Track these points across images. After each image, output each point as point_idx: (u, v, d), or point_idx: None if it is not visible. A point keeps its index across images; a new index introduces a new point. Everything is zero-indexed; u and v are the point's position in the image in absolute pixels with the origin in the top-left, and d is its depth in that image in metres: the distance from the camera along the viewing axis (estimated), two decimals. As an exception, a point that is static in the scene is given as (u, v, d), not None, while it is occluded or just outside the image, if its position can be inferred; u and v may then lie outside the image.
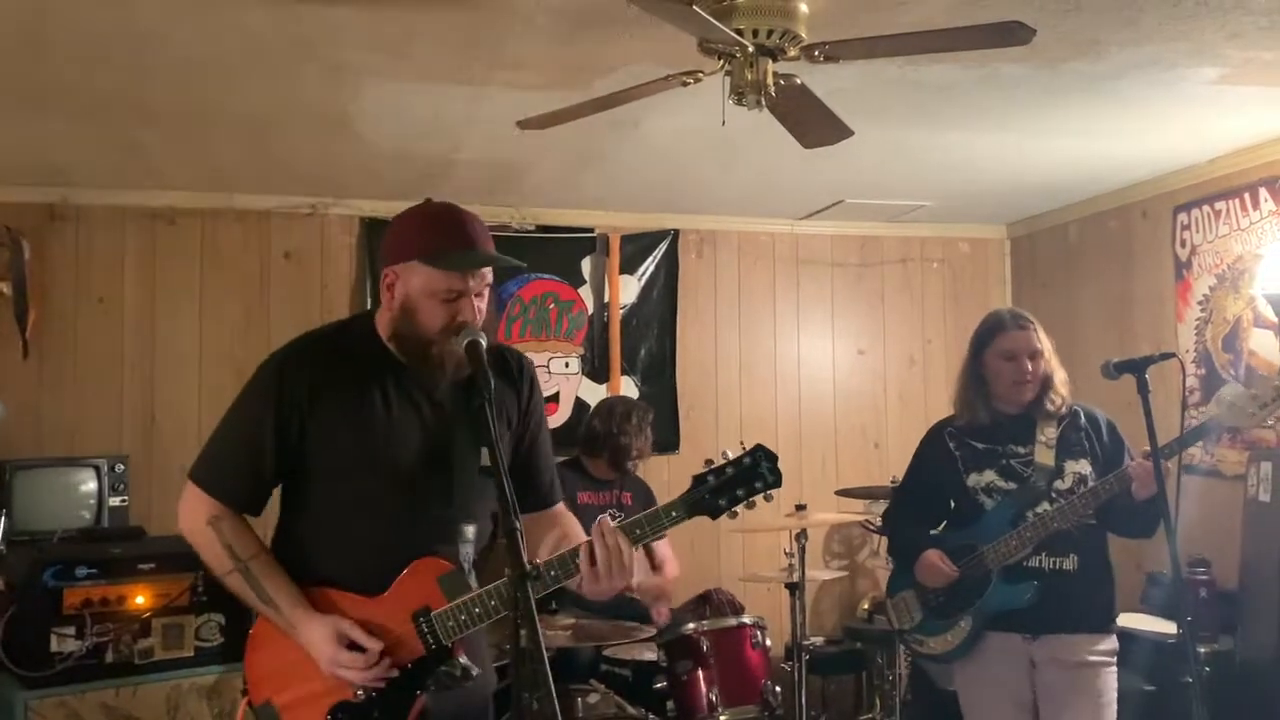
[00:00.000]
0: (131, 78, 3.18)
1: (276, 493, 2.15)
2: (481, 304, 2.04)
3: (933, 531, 3.18)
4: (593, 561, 1.93)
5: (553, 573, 1.97)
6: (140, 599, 3.49)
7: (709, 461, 1.98)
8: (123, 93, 3.32)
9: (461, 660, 1.99)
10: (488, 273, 2.05)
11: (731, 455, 1.97)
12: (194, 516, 2.06)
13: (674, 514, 1.96)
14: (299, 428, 2.04)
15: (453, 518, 2.09)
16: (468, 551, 2.10)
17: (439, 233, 2.03)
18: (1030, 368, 3.00)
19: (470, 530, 2.10)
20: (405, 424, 2.07)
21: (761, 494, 1.96)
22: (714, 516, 1.96)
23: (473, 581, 2.06)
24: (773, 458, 1.95)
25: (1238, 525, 3.99)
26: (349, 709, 1.99)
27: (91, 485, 4.16)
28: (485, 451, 1.93)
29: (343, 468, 2.05)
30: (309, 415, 2.04)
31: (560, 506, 2.30)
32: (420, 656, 2.00)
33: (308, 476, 2.08)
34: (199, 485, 2.08)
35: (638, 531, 1.97)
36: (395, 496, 2.05)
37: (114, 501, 4.19)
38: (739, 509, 1.96)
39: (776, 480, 1.96)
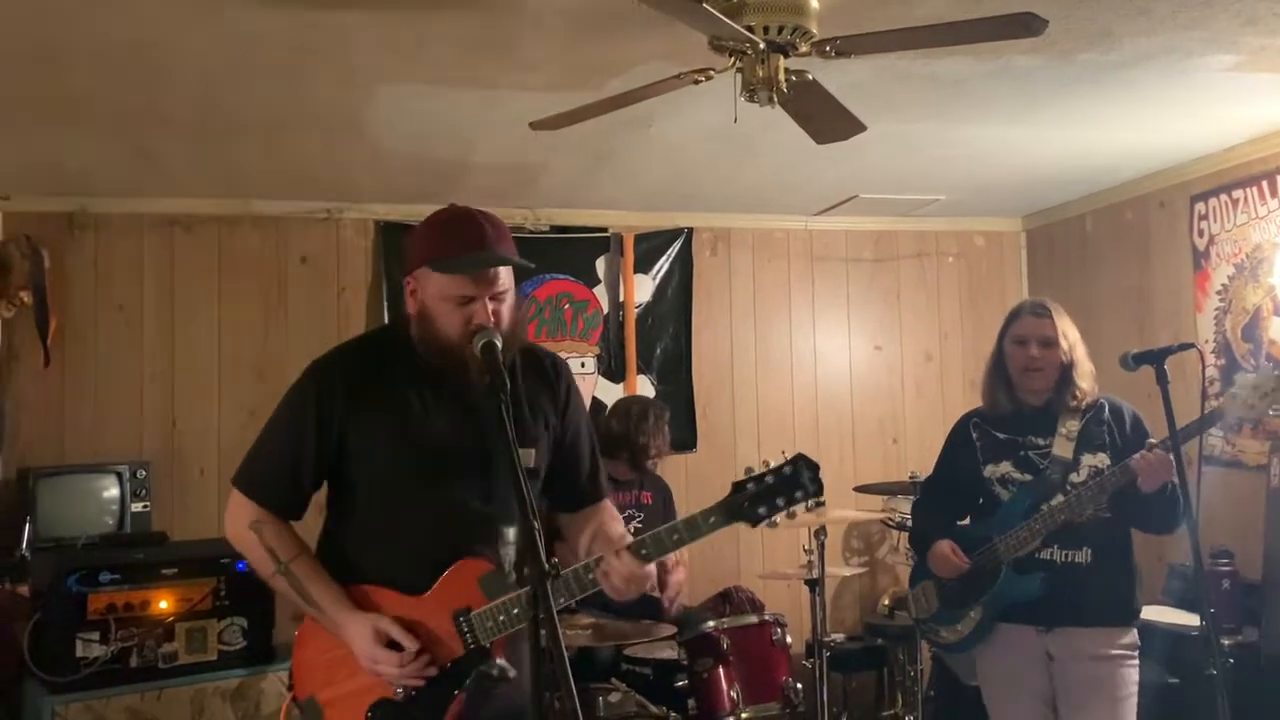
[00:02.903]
0: (147, 87, 3.20)
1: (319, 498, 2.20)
2: (501, 306, 2.04)
3: (960, 522, 3.18)
4: (609, 578, 1.98)
5: (570, 585, 2.00)
6: (164, 604, 3.52)
7: (749, 469, 1.97)
8: (138, 102, 3.34)
9: (499, 661, 2.01)
10: (503, 275, 2.05)
11: (773, 464, 1.96)
12: (237, 522, 2.12)
13: (712, 519, 1.96)
14: (337, 434, 2.09)
15: (492, 519, 2.11)
16: (508, 553, 2.12)
17: (447, 238, 2.04)
18: (1038, 354, 2.99)
19: (511, 532, 2.12)
20: (443, 428, 2.09)
21: (802, 504, 1.95)
22: (753, 524, 1.95)
23: (513, 582, 2.08)
24: (814, 467, 1.94)
25: (1260, 516, 3.96)
26: (388, 706, 2.03)
27: (114, 491, 4.20)
28: (526, 453, 1.96)
29: (383, 472, 2.09)
30: (347, 422, 2.08)
31: (605, 503, 2.32)
32: (460, 656, 2.03)
33: (349, 482, 2.13)
34: (241, 491, 2.14)
35: (675, 537, 1.98)
36: (435, 499, 2.08)
37: (136, 507, 4.22)
38: (778, 518, 1.95)
39: (818, 490, 1.94)
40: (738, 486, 1.96)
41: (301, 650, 2.15)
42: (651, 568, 2.00)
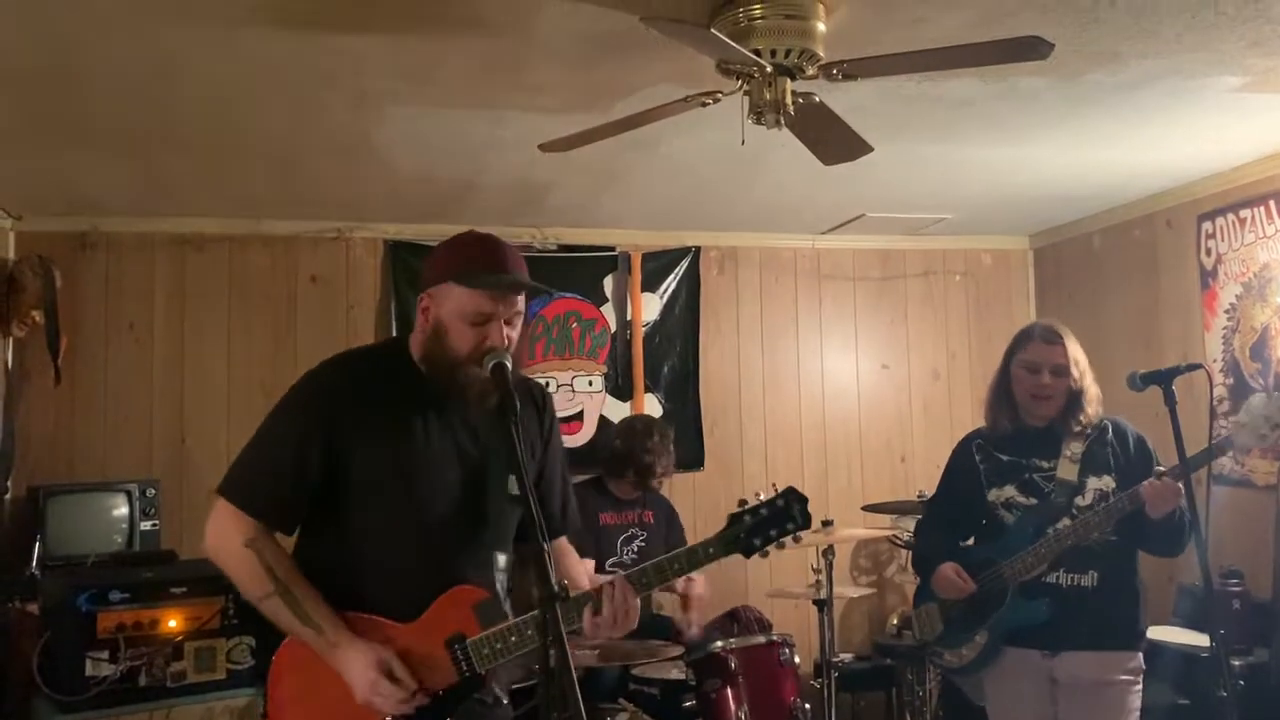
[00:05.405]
0: (160, 109, 3.23)
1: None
2: (513, 332, 2.05)
3: (963, 544, 3.17)
4: (597, 613, 1.98)
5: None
6: (172, 622, 3.52)
7: (742, 502, 2.07)
8: (151, 123, 3.37)
9: (494, 689, 2.02)
10: (519, 302, 2.07)
11: (764, 497, 2.06)
12: (228, 537, 2.00)
13: (711, 551, 2.04)
14: (336, 448, 2.03)
15: (487, 545, 2.11)
16: (501, 579, 2.12)
17: (473, 256, 2.06)
18: (1049, 382, 2.98)
19: (503, 559, 2.13)
20: (442, 451, 2.08)
21: (791, 535, 2.05)
22: (748, 555, 2.05)
23: (508, 609, 2.07)
24: (803, 500, 2.05)
25: (1270, 535, 3.94)
26: None
27: (123, 510, 4.21)
28: (513, 480, 1.95)
29: (378, 493, 2.05)
30: (346, 436, 2.03)
31: (564, 541, 2.32)
32: (451, 684, 2.01)
33: (340, 500, 2.05)
34: (233, 503, 2.02)
35: (676, 566, 2.03)
36: (430, 524, 2.06)
37: (145, 526, 4.23)
38: (770, 549, 2.05)
39: (806, 522, 2.06)
40: (733, 519, 2.05)
41: (281, 677, 2.06)
42: (635, 611, 2.02)
